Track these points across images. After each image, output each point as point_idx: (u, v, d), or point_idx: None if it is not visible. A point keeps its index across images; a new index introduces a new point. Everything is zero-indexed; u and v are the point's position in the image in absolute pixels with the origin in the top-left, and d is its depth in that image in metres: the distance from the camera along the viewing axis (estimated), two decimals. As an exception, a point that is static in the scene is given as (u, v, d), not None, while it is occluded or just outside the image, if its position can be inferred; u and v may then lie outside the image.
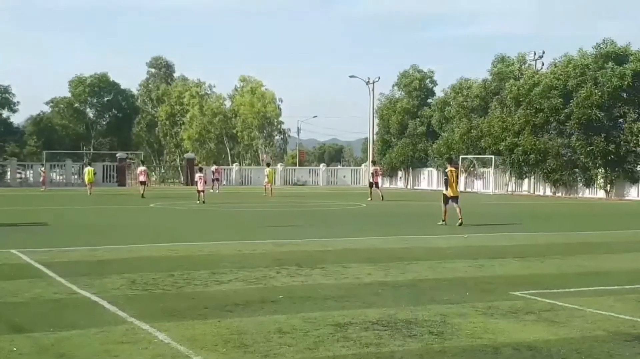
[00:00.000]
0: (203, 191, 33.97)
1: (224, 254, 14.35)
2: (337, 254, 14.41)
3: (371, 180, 38.34)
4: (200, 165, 51.72)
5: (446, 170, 23.06)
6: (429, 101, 61.27)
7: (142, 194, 38.53)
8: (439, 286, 10.67)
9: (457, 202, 22.11)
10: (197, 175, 35.30)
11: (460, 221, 21.48)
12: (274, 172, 45.12)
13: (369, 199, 36.19)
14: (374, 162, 43.97)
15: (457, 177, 22.97)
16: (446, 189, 22.35)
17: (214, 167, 50.90)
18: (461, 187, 51.48)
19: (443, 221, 21.80)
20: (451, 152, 52.83)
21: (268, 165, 50.40)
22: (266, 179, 42.96)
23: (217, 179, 49.46)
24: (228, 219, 25.36)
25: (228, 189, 53.45)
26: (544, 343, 7.34)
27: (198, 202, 32.75)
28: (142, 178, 40.79)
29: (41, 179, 51.70)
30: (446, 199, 22.16)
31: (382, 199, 36.09)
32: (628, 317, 8.59)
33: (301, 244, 16.35)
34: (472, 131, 51.44)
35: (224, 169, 64.09)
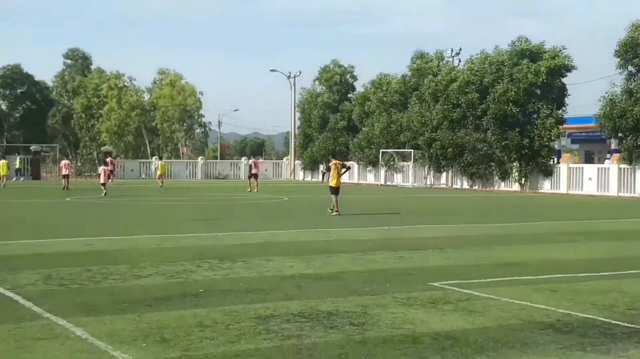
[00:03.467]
0: (104, 184, 34.40)
1: (143, 248, 14.14)
2: (259, 248, 14.38)
3: (251, 172, 39.71)
4: (110, 158, 52.07)
5: (330, 163, 24.38)
6: (350, 95, 61.65)
7: (66, 187, 38.63)
8: (360, 278, 10.78)
9: (337, 194, 23.04)
10: (100, 168, 34.87)
11: (336, 212, 22.60)
12: (166, 165, 47.11)
13: (249, 190, 37.91)
14: (253, 155, 47.36)
15: (340, 169, 23.91)
16: (329, 181, 23.55)
17: (108, 159, 50.81)
18: (381, 181, 53.01)
19: (336, 211, 22.69)
20: (372, 146, 53.53)
21: (160, 158, 52.26)
22: (158, 172, 45.97)
23: (112, 171, 49.27)
24: (147, 213, 24.95)
25: (148, 182, 52.60)
26: (461, 332, 7.50)
27: (103, 195, 32.53)
28: (65, 171, 40.15)
29: None
30: (333, 189, 23.21)
31: (257, 191, 37.48)
32: (542, 306, 8.85)
33: (222, 237, 16.25)
34: (391, 125, 52.04)
35: (144, 163, 63.24)
